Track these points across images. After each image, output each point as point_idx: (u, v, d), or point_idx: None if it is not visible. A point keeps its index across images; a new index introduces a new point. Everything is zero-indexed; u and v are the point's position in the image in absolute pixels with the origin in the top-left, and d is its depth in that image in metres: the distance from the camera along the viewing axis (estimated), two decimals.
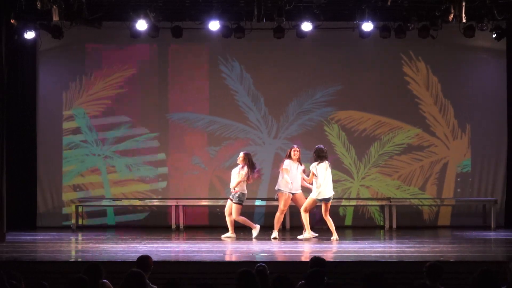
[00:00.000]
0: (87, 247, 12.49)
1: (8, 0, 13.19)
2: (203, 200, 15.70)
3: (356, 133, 15.94)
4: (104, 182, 15.94)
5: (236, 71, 15.94)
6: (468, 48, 15.74)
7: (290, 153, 13.62)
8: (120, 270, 8.84)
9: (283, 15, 13.59)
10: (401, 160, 15.97)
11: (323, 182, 13.25)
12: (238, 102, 15.95)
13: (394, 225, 15.32)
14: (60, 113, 15.88)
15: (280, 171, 13.64)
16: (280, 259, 11.40)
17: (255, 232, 13.67)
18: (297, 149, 13.66)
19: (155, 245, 12.71)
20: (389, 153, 15.95)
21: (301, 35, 14.63)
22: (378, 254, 11.57)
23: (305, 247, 12.57)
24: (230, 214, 13.57)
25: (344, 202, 15.63)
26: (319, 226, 15.40)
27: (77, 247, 12.89)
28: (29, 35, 14.25)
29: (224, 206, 14.00)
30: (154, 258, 8.63)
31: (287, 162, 13.57)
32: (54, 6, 12.82)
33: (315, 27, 14.42)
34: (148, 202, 15.78)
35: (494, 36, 14.70)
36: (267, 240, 13.42)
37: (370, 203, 15.82)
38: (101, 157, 15.95)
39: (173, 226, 15.36)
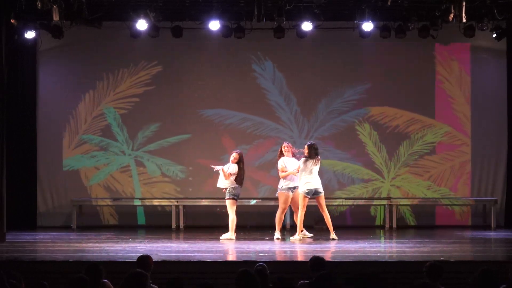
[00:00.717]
0: (87, 246, 12.47)
1: (8, 0, 13.18)
2: (203, 200, 15.68)
3: (389, 129, 15.90)
4: (135, 182, 15.92)
5: (268, 71, 15.92)
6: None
7: (281, 151, 13.59)
8: (120, 270, 8.84)
9: (283, 15, 13.59)
10: (431, 160, 15.94)
11: (309, 176, 13.21)
12: (270, 101, 15.94)
13: (394, 225, 15.30)
14: (60, 113, 15.86)
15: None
16: (280, 258, 11.38)
17: (226, 235, 13.60)
18: (287, 145, 13.63)
19: (156, 244, 12.70)
20: (418, 152, 15.92)
21: (301, 35, 14.62)
22: (378, 254, 11.56)
23: (305, 246, 12.55)
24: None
25: (344, 202, 15.62)
26: (319, 226, 15.41)
27: (77, 246, 12.85)
28: (29, 35, 14.25)
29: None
30: (155, 257, 8.63)
31: (280, 161, 13.54)
32: (54, 6, 12.83)
33: (315, 27, 14.42)
34: (147, 202, 15.75)
35: (494, 36, 14.69)
36: (267, 240, 13.41)
37: (401, 203, 15.70)
38: (131, 156, 15.92)
39: (174, 226, 15.34)
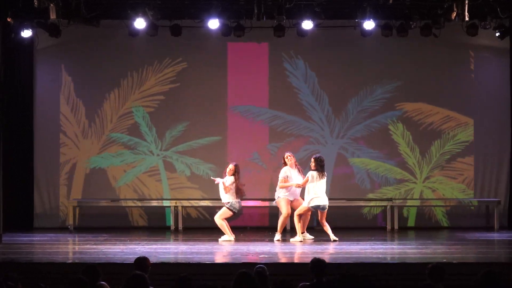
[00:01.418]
0: (84, 248, 12.38)
1: None
2: (202, 201, 15.56)
3: (422, 126, 15.79)
4: (163, 182, 15.80)
5: (300, 69, 15.80)
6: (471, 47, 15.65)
7: (284, 161, 13.46)
8: (118, 271, 8.78)
9: (284, 13, 13.50)
10: (464, 162, 15.84)
11: (315, 191, 13.10)
12: (302, 100, 15.83)
13: (396, 226, 15.18)
14: (57, 112, 15.75)
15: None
16: (280, 260, 11.28)
17: (224, 238, 13.50)
18: (290, 154, 13.53)
19: (154, 246, 12.62)
20: (450, 152, 15.81)
21: (302, 33, 14.50)
22: (380, 256, 11.46)
23: (306, 248, 12.45)
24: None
25: (345, 203, 15.46)
26: (319, 227, 15.31)
27: (74, 248, 12.77)
28: (26, 33, 14.14)
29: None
30: (153, 259, 8.56)
31: (283, 171, 13.40)
32: (52, 4, 12.81)
33: (316, 26, 14.30)
34: (147, 203, 15.63)
35: (497, 34, 14.57)
36: (267, 241, 13.30)
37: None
38: (160, 157, 15.80)
39: (172, 227, 15.23)
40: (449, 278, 7.88)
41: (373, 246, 12.54)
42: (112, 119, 15.84)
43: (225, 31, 14.53)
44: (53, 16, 12.93)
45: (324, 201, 13.18)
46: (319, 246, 12.65)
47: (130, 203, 15.63)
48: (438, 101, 15.79)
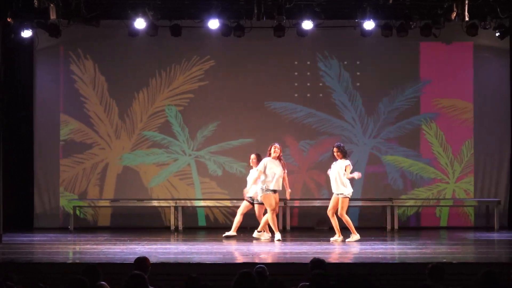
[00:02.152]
0: (84, 248, 12.37)
1: None
2: (202, 201, 15.55)
3: (457, 123, 15.82)
4: (195, 182, 15.78)
5: (334, 69, 15.80)
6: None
7: (269, 151, 13.42)
8: (118, 271, 8.76)
9: (283, 13, 13.49)
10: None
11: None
12: (335, 100, 15.82)
13: (396, 226, 15.17)
14: (57, 112, 15.74)
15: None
16: (280, 260, 11.26)
17: (230, 233, 13.61)
18: (278, 146, 13.45)
19: (154, 246, 12.60)
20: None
21: (302, 33, 14.49)
22: (380, 256, 11.44)
23: (306, 248, 12.43)
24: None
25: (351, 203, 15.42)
26: (320, 227, 15.30)
27: (74, 248, 12.76)
28: (26, 33, 14.12)
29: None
30: (153, 259, 8.54)
31: (261, 164, 13.35)
32: (52, 5, 12.81)
33: (316, 26, 14.29)
34: (146, 203, 15.61)
35: (497, 34, 14.56)
36: (267, 241, 13.31)
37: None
38: (192, 156, 15.79)
39: (172, 227, 15.22)
40: (449, 278, 7.86)
41: (373, 246, 12.53)
42: (142, 118, 15.82)
43: (225, 31, 14.52)
44: (53, 16, 12.92)
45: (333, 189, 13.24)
46: (319, 246, 12.63)
47: (130, 203, 15.62)
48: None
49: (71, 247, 12.98)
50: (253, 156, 13.71)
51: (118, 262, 10.49)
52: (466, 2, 12.83)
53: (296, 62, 15.83)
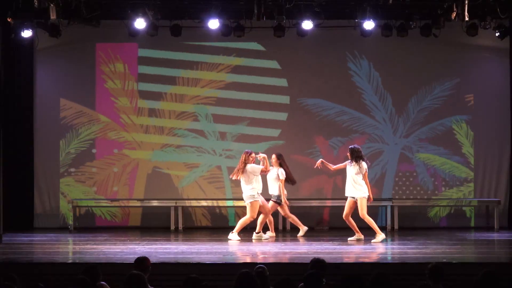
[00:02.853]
0: (84, 248, 12.36)
1: None
2: (202, 201, 15.54)
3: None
4: (225, 182, 15.75)
5: (364, 69, 15.80)
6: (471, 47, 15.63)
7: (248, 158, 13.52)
8: (118, 272, 8.76)
9: (283, 13, 13.49)
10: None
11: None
12: (365, 100, 15.82)
13: (396, 226, 15.17)
14: (57, 112, 15.72)
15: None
16: (280, 260, 11.26)
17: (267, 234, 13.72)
18: (255, 155, 13.55)
19: (154, 246, 12.59)
20: None
21: (302, 33, 14.49)
22: (380, 256, 11.44)
23: (306, 248, 12.43)
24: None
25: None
26: (320, 227, 15.31)
27: (74, 248, 12.76)
28: (26, 33, 14.08)
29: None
30: (153, 259, 8.53)
31: (248, 167, 13.46)
32: (52, 5, 12.81)
33: (316, 26, 14.29)
34: (146, 203, 15.61)
35: (497, 34, 14.56)
36: (267, 241, 13.31)
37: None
38: (223, 156, 15.78)
39: (172, 227, 15.22)
40: (449, 278, 7.86)
41: (373, 246, 12.53)
42: (170, 117, 15.81)
43: (225, 31, 14.52)
44: (53, 16, 12.92)
45: (347, 192, 13.33)
46: (319, 246, 12.63)
47: (129, 203, 15.62)
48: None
49: (71, 247, 12.97)
50: (273, 156, 13.81)
51: (118, 262, 10.49)
52: (466, 2, 12.83)
53: (325, 61, 15.80)
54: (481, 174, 15.77)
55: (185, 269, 9.91)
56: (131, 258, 9.33)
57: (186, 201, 15.56)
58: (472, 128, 15.76)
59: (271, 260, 11.02)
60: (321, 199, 15.49)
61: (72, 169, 15.72)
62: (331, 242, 13.10)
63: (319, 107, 15.81)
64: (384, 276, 6.68)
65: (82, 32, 14.75)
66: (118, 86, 15.79)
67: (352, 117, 15.82)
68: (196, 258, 10.98)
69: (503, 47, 15.47)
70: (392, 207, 15.29)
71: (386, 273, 6.78)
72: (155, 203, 15.60)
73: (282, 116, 15.80)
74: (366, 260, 10.86)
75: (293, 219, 14.02)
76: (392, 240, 13.88)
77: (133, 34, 14.52)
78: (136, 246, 12.44)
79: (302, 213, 15.33)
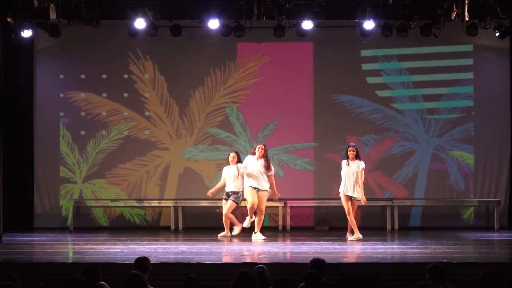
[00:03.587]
0: (84, 248, 12.36)
1: None
2: (202, 201, 15.54)
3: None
4: None
5: (394, 69, 15.79)
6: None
7: (254, 150, 13.55)
8: (118, 272, 8.76)
9: (283, 13, 13.50)
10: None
11: (344, 179, 13.23)
12: (396, 102, 15.83)
13: (396, 226, 15.17)
14: (57, 112, 15.73)
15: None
16: (280, 260, 11.26)
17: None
18: (262, 146, 13.51)
19: (154, 246, 12.59)
20: None
21: (302, 33, 14.49)
22: (380, 256, 11.44)
23: (306, 248, 12.43)
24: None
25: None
26: (320, 227, 15.31)
27: (74, 248, 12.75)
28: (26, 33, 14.10)
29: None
30: (153, 259, 8.53)
31: (244, 161, 13.52)
32: (52, 4, 12.81)
33: (316, 26, 14.29)
34: (146, 203, 15.61)
35: (497, 34, 14.56)
36: (268, 241, 13.30)
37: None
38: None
39: (172, 227, 15.22)
40: (449, 278, 7.85)
41: (373, 246, 12.53)
42: (200, 117, 15.81)
43: (225, 31, 14.52)
44: (53, 16, 12.93)
45: (350, 192, 13.29)
46: (319, 246, 12.62)
47: (129, 203, 15.62)
48: None
49: (71, 247, 12.97)
50: (232, 154, 13.95)
51: (118, 262, 10.48)
52: (466, 2, 12.83)
53: (356, 60, 15.82)
54: (481, 174, 15.76)
55: (185, 269, 9.91)
56: (131, 258, 9.32)
57: (186, 201, 15.55)
58: (472, 128, 15.77)
59: (271, 260, 11.01)
60: (320, 199, 15.47)
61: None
62: (331, 242, 13.10)
63: (352, 104, 15.80)
64: (375, 277, 6.67)
65: (82, 32, 14.75)
66: (148, 86, 15.84)
67: (386, 115, 15.82)
68: (196, 258, 10.97)
69: (503, 47, 15.47)
70: (392, 207, 15.28)
71: (376, 273, 6.76)
72: (155, 203, 15.61)
73: (313, 114, 15.80)
74: (366, 260, 10.85)
75: (232, 218, 13.88)
76: (392, 240, 13.90)
77: (133, 34, 14.52)
78: (136, 246, 12.44)
79: (302, 213, 15.37)
